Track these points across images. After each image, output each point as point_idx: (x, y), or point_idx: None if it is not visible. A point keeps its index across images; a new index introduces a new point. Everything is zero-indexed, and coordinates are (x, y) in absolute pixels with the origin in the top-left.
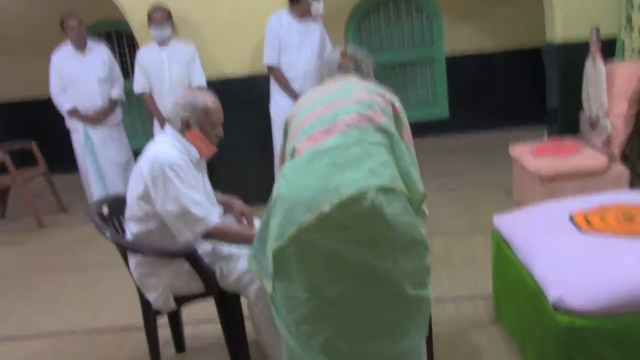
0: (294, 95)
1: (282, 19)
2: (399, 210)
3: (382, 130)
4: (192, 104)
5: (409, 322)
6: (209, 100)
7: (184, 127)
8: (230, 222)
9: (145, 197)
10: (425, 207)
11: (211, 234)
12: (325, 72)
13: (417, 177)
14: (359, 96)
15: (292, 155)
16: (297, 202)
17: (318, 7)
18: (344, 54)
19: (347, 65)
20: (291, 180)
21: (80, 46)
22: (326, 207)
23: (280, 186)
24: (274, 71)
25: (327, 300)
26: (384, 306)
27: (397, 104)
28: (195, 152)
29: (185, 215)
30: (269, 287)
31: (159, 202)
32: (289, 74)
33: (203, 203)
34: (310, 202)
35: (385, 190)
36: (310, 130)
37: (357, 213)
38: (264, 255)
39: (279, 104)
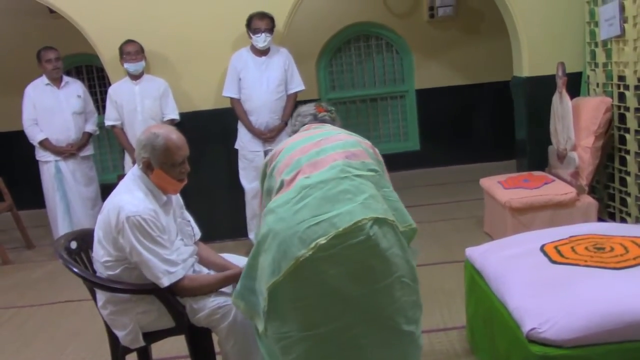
0: (250, 127)
1: (243, 54)
2: (392, 242)
3: (368, 167)
4: (152, 144)
5: None
6: (170, 139)
7: (146, 169)
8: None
9: (113, 244)
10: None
11: (183, 289)
12: (297, 123)
13: (406, 212)
14: (344, 137)
15: (280, 189)
16: (290, 235)
17: (257, 41)
18: (318, 106)
19: (322, 116)
20: (282, 215)
21: (56, 80)
22: (322, 240)
23: (270, 221)
24: (233, 103)
25: (323, 339)
26: (379, 343)
27: (376, 150)
28: (160, 193)
29: (150, 269)
30: (260, 326)
31: (128, 252)
32: (245, 106)
33: (168, 259)
34: (305, 235)
35: (379, 222)
36: (298, 166)
37: (354, 245)
38: (253, 294)
39: (241, 136)
